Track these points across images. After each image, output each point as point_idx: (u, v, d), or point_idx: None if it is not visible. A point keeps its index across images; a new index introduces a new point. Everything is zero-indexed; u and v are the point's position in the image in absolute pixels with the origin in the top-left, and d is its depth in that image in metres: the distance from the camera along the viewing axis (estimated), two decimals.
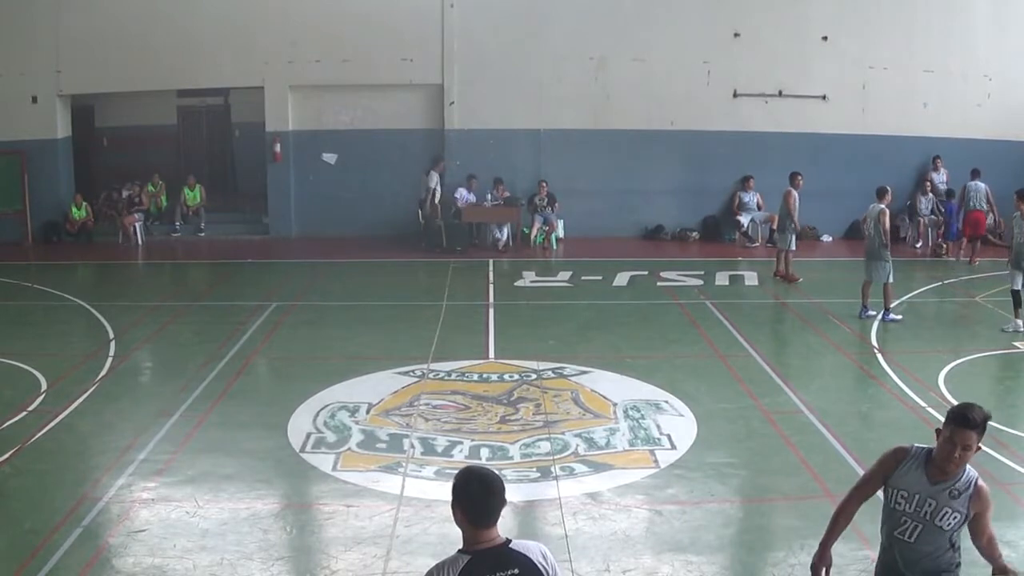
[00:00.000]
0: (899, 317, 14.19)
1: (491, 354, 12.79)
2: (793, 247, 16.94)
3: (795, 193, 16.79)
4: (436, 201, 19.85)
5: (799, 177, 17.01)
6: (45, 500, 8.39)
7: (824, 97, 21.00)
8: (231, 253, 19.93)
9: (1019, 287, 13.35)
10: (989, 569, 4.91)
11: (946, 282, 17.07)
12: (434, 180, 19.73)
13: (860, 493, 5.06)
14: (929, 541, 4.74)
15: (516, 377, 11.66)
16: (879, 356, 12.51)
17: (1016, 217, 13.70)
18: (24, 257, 19.57)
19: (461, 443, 9.62)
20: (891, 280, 14.19)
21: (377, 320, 14.91)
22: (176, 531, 7.71)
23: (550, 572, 3.93)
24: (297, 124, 21.24)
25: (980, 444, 4.70)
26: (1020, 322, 13.41)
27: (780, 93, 21.00)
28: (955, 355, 12.42)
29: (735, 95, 21.02)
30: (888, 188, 14.78)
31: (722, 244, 20.98)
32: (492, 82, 20.74)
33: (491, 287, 17.09)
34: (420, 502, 8.27)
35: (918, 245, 20.33)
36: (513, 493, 8.21)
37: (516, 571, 3.85)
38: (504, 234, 20.39)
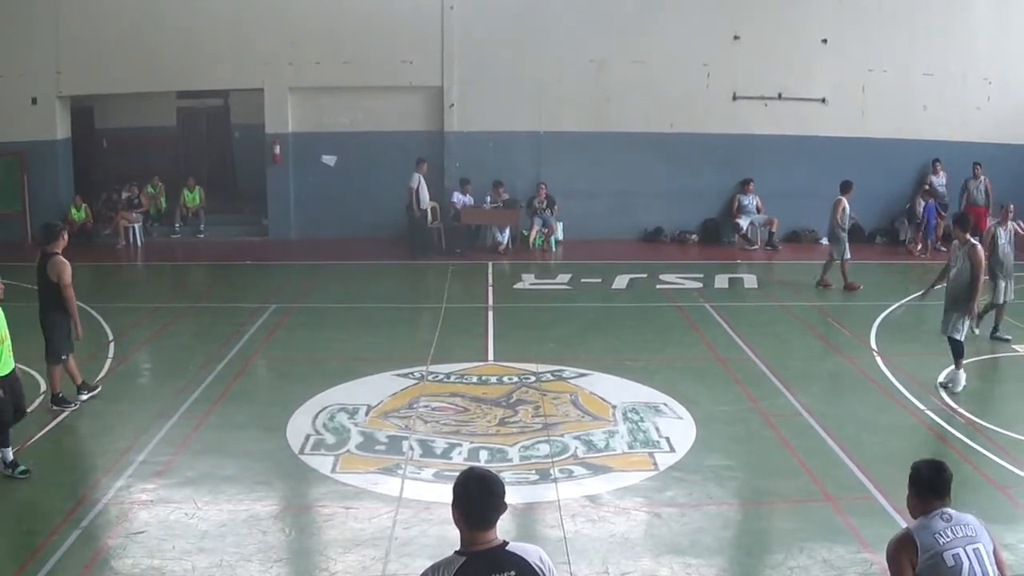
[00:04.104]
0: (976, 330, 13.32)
1: (490, 356, 12.79)
2: (848, 255, 16.56)
3: (845, 201, 16.61)
4: (420, 204, 19.65)
5: (852, 185, 16.81)
6: (44, 501, 8.40)
7: (824, 100, 21.00)
8: (230, 255, 19.91)
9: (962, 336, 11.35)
10: None
11: (946, 285, 17.01)
12: (415, 180, 19.54)
13: None
14: None
15: (515, 379, 11.66)
16: (878, 359, 12.50)
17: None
18: (24, 258, 19.49)
19: (460, 445, 9.62)
20: (1002, 300, 13.28)
21: (376, 322, 14.91)
22: (175, 533, 7.72)
23: (547, 575, 3.92)
24: (297, 126, 21.24)
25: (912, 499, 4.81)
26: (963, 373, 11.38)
27: (780, 96, 21.01)
28: None
29: (734, 98, 21.03)
30: (1010, 207, 13.60)
31: (721, 247, 20.98)
32: (492, 84, 20.74)
33: (490, 289, 17.09)
34: (419, 504, 8.27)
35: (918, 248, 20.31)
36: (512, 495, 8.13)
37: (512, 573, 3.84)
38: (504, 236, 20.39)
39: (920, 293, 13.12)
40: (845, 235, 16.60)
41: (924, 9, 21.00)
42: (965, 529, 4.61)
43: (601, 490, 8.63)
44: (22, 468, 8.76)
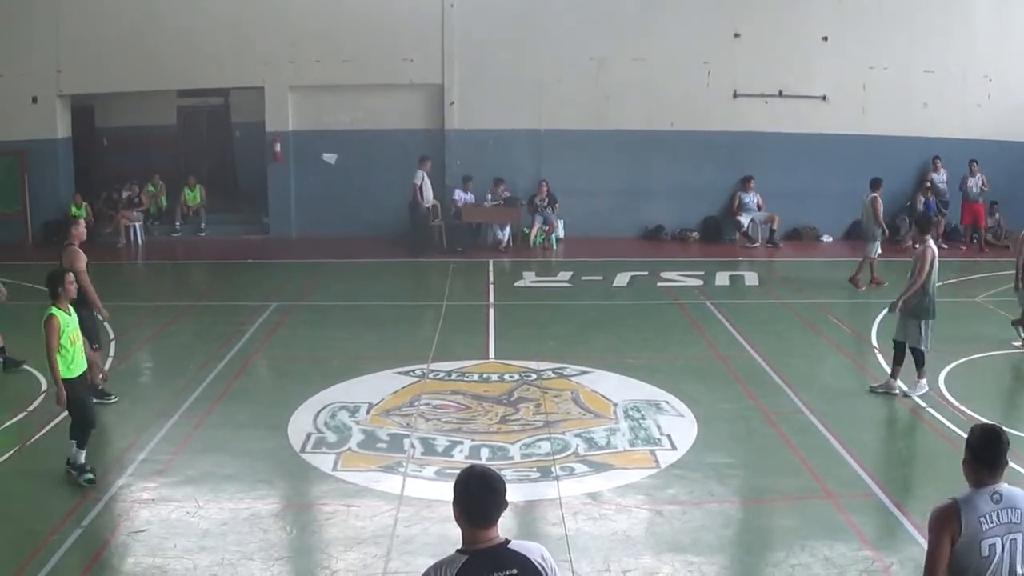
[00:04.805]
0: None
1: (491, 354, 12.79)
2: (878, 252, 16.49)
3: (879, 199, 16.60)
4: (423, 200, 19.72)
5: (881, 183, 16.84)
6: (45, 500, 8.40)
7: (824, 97, 20.99)
8: (231, 253, 19.92)
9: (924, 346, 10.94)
10: None
11: (946, 282, 17.03)
12: (419, 177, 19.62)
13: None
14: None
15: (516, 377, 11.66)
16: (879, 356, 12.49)
17: None
18: (24, 257, 19.55)
19: (461, 443, 9.63)
20: None
21: (377, 320, 14.91)
22: (176, 531, 7.73)
23: (549, 573, 3.92)
24: (297, 124, 21.24)
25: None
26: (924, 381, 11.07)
27: (780, 93, 20.99)
28: (955, 355, 12.38)
29: (735, 95, 21.02)
30: None
31: (722, 244, 20.97)
32: (492, 82, 20.73)
33: (491, 287, 17.09)
34: (420, 502, 8.28)
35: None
36: (513, 493, 8.16)
37: (514, 571, 3.84)
38: (505, 234, 20.39)
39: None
40: (880, 233, 16.53)
41: (924, 7, 20.98)
42: (1011, 514, 4.42)
43: (602, 488, 8.64)
44: (90, 476, 8.62)
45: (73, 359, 8.64)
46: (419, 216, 19.80)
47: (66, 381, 8.55)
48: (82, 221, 11.36)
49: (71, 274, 8.91)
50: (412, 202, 19.65)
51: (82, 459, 8.69)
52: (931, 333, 10.93)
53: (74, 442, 8.67)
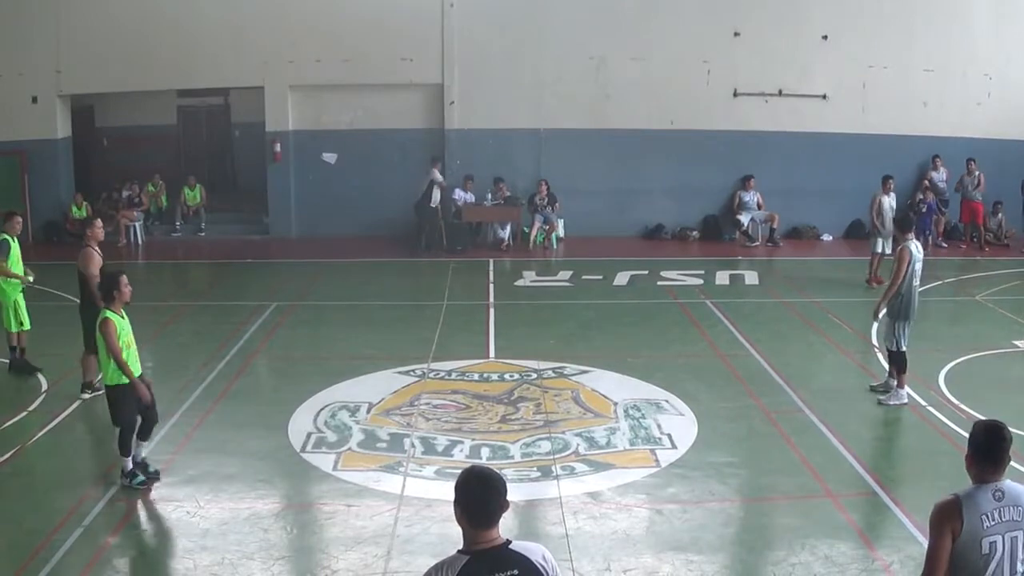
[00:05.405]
0: None
1: (491, 354, 12.78)
2: (878, 250, 16.36)
3: (881, 197, 16.64)
4: (431, 201, 19.78)
5: (890, 181, 16.92)
6: (45, 500, 8.40)
7: (824, 96, 20.98)
8: (231, 253, 19.92)
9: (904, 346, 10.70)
10: None
11: (946, 281, 17.07)
12: (436, 176, 19.75)
13: None
14: None
15: (516, 376, 11.66)
16: (879, 355, 12.48)
17: None
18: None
19: (462, 443, 9.63)
20: None
21: (377, 320, 14.91)
22: (177, 531, 7.74)
23: (550, 573, 3.92)
24: (297, 124, 21.23)
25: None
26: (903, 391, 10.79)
27: (780, 92, 20.98)
28: (955, 354, 12.41)
29: (735, 94, 21.01)
30: None
31: (722, 243, 20.96)
32: (492, 82, 20.73)
33: (491, 287, 17.09)
34: (421, 502, 8.28)
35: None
36: (514, 492, 8.11)
37: (515, 572, 3.83)
38: (506, 233, 20.39)
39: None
40: (880, 230, 16.44)
41: (924, 5, 20.98)
42: (1012, 512, 4.40)
43: (603, 487, 8.64)
44: (141, 479, 8.53)
45: (128, 363, 8.47)
46: (427, 214, 19.82)
47: (117, 387, 8.44)
48: (98, 221, 11.12)
49: (125, 276, 8.64)
50: (420, 201, 19.68)
51: (141, 456, 8.67)
52: (906, 334, 10.71)
53: (123, 455, 8.53)
